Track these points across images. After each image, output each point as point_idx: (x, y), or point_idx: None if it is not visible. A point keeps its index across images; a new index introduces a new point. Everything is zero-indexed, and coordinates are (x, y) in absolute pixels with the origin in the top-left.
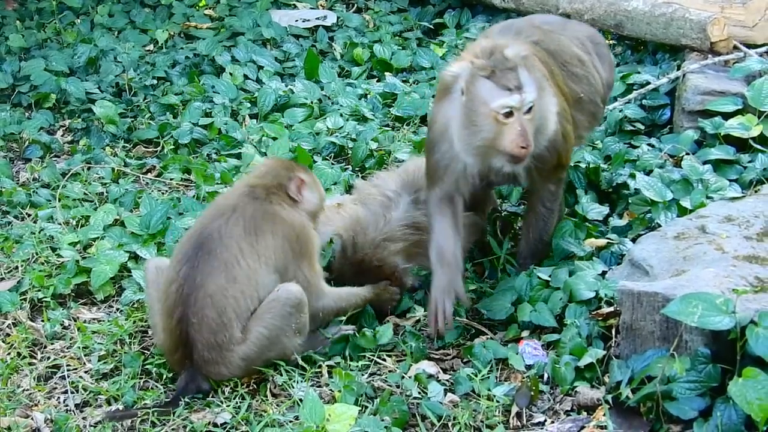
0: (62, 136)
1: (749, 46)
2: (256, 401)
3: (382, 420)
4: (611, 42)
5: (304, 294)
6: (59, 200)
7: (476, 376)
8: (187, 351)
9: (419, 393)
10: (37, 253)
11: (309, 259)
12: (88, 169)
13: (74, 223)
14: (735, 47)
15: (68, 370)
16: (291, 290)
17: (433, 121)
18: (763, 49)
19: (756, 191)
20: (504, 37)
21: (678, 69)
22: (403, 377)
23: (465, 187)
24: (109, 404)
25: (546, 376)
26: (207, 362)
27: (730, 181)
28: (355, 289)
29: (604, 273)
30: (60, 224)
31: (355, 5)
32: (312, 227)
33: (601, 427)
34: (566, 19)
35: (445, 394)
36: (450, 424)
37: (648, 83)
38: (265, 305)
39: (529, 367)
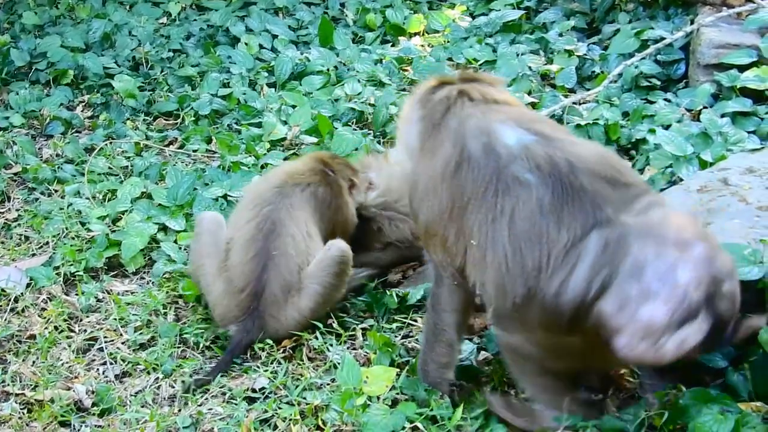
0: (82, 111)
1: None
2: (293, 366)
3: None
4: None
5: (349, 249)
6: (85, 175)
7: None
8: (258, 287)
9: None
10: (66, 228)
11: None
12: (111, 143)
13: (101, 197)
14: None
15: (105, 342)
16: (341, 247)
17: None
18: None
19: None
20: None
21: (691, 23)
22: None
23: None
24: (148, 374)
25: None
26: (274, 303)
27: (749, 133)
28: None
29: None
30: (87, 199)
31: None
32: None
33: (632, 378)
34: None
35: (478, 353)
36: (484, 381)
37: (662, 38)
38: (318, 262)
39: None
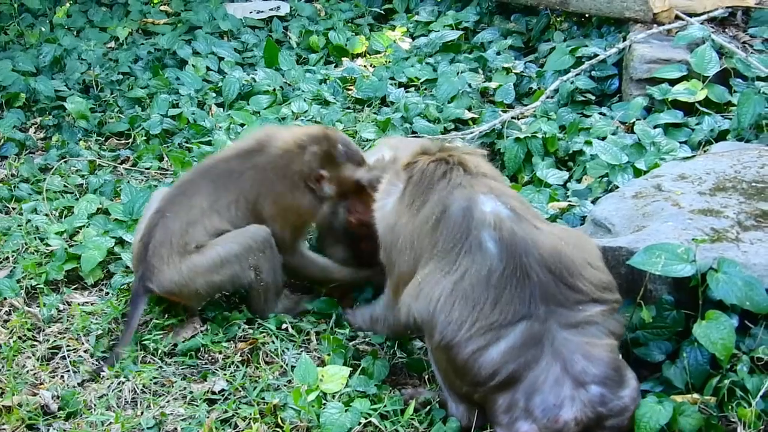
0: (35, 132)
1: (690, 15)
2: (250, 369)
3: (371, 378)
4: (558, 19)
5: (271, 238)
6: (42, 193)
7: None
8: (148, 240)
9: (402, 352)
10: (26, 243)
11: (296, 230)
12: (65, 162)
13: (57, 214)
14: (677, 17)
15: (68, 350)
16: (259, 229)
17: None
18: (704, 17)
19: (705, 151)
20: None
21: (624, 40)
22: (386, 340)
23: None
24: (112, 379)
25: None
26: (156, 256)
27: (680, 143)
28: (335, 265)
29: None
30: (45, 215)
31: None
32: (317, 209)
33: None
34: None
35: (426, 354)
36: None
37: (596, 55)
38: (231, 234)
39: None
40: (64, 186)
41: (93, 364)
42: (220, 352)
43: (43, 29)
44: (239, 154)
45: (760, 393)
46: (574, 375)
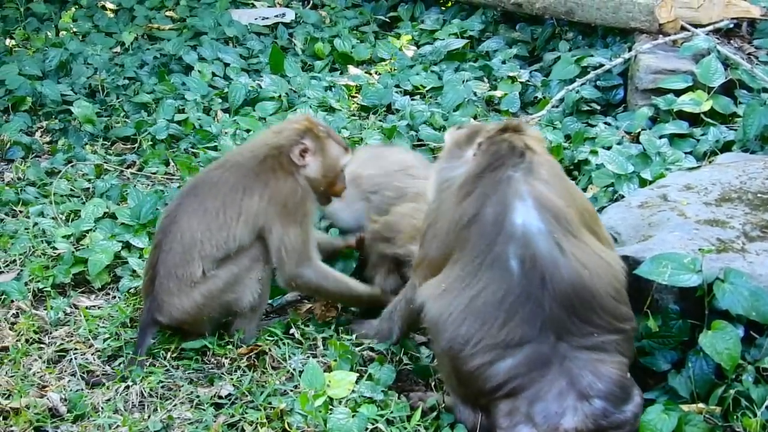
0: (41, 136)
1: (695, 26)
2: (257, 374)
3: (378, 384)
4: (563, 28)
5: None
6: (49, 197)
7: None
8: (153, 276)
9: (409, 359)
10: (33, 247)
11: (297, 224)
12: (72, 166)
13: (64, 217)
14: (682, 27)
15: (75, 353)
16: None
17: None
18: (709, 28)
19: (710, 162)
20: None
21: (629, 50)
22: (392, 345)
23: None
24: (119, 383)
25: None
26: (165, 290)
27: (686, 153)
28: (354, 282)
29: None
30: (52, 219)
31: (311, 2)
32: (307, 193)
33: None
34: None
35: (433, 359)
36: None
37: (601, 65)
38: (235, 250)
39: None
40: (71, 190)
41: (97, 374)
42: (227, 357)
43: (49, 34)
44: (218, 165)
45: (765, 403)
46: (580, 389)
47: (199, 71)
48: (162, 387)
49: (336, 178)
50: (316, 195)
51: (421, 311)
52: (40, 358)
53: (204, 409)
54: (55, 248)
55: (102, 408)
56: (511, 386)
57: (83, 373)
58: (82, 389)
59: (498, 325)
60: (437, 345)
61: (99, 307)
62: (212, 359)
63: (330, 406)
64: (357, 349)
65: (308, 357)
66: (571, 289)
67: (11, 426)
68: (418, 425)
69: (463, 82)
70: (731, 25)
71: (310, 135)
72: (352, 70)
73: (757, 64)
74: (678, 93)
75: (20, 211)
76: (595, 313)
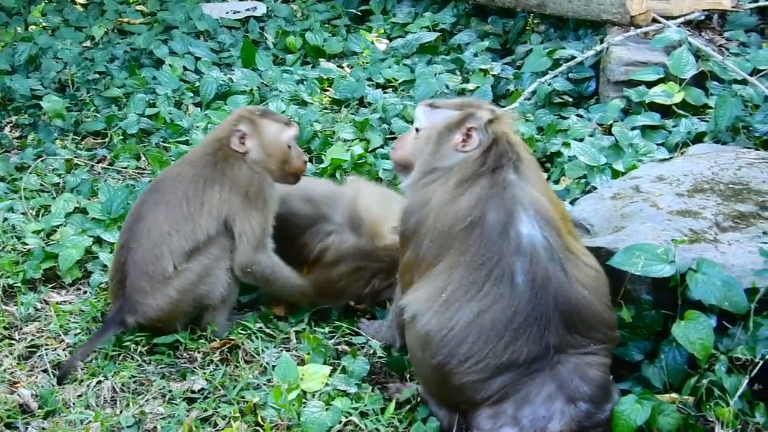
0: (10, 131)
1: (667, 18)
2: (229, 368)
3: (351, 377)
4: (535, 21)
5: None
6: (19, 192)
7: None
8: (122, 277)
9: (382, 351)
10: (3, 242)
11: (259, 211)
12: (42, 161)
13: (34, 212)
14: (654, 20)
15: (47, 349)
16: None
17: None
18: (681, 20)
19: (682, 153)
20: None
21: (601, 42)
22: (367, 340)
23: None
24: (90, 378)
25: None
26: (137, 290)
27: (658, 145)
28: (296, 275)
29: None
30: (21, 214)
31: None
32: (264, 178)
33: None
34: None
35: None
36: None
37: (573, 57)
38: (204, 241)
39: None
40: (41, 185)
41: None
42: (199, 351)
43: (18, 28)
44: (177, 163)
45: (738, 393)
46: (569, 393)
47: (170, 65)
48: (134, 382)
49: (285, 154)
50: (277, 177)
51: (411, 319)
52: (11, 354)
53: (177, 404)
54: (25, 243)
55: (73, 404)
56: (500, 395)
57: (54, 368)
58: (53, 385)
59: (503, 345)
60: (427, 357)
61: (70, 303)
62: (185, 354)
63: (303, 400)
64: (330, 341)
65: (281, 350)
66: (576, 310)
67: None
68: (392, 418)
69: (435, 75)
70: (702, 17)
71: (245, 120)
72: (324, 63)
73: (728, 55)
74: (650, 85)
75: None
76: (594, 329)
